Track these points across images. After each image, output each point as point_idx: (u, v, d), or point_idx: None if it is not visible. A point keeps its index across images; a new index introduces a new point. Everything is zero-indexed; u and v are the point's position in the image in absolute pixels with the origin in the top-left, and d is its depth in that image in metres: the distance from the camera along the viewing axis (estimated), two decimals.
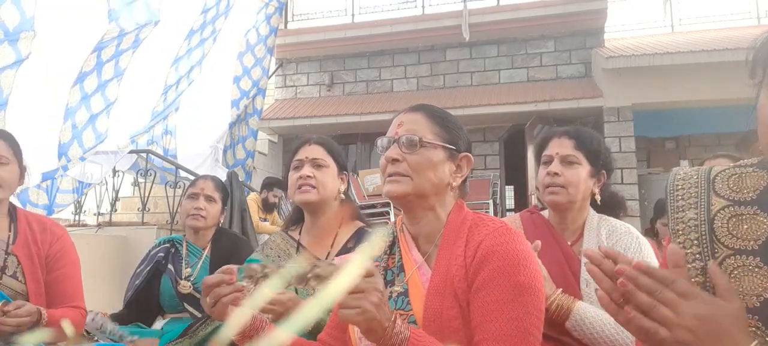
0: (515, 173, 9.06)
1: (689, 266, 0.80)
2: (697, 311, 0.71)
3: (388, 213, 6.71)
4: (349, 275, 0.83)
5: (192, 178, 4.43)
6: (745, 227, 0.79)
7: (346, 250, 1.77)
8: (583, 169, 1.67)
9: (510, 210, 8.72)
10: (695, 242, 0.82)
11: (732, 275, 0.78)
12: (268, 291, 1.02)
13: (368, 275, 0.96)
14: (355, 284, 0.93)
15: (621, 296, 0.76)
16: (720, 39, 8.11)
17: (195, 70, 6.34)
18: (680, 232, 0.84)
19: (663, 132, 8.57)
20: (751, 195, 0.81)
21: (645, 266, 0.75)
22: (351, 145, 9.71)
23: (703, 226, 0.81)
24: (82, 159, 5.09)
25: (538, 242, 1.48)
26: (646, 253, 1.57)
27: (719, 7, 9.55)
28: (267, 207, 6.09)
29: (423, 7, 9.88)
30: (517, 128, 8.81)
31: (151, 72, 5.66)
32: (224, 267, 1.14)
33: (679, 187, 0.87)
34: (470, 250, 1.12)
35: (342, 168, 1.88)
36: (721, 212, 0.81)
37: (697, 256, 0.81)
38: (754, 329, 0.74)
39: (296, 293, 1.63)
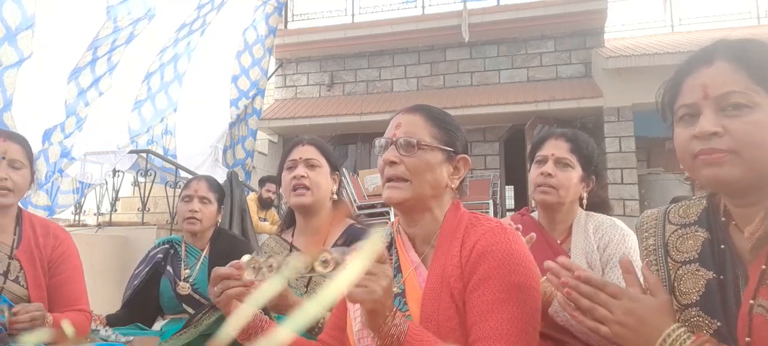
0: (515, 173, 9.06)
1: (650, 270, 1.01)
2: (625, 307, 0.90)
3: (387, 213, 6.71)
4: (362, 257, 0.90)
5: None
6: (689, 242, 0.99)
7: (336, 246, 1.78)
8: (575, 173, 1.71)
9: (510, 210, 8.72)
10: (654, 261, 1.03)
11: (681, 281, 0.97)
12: (275, 283, 1.03)
13: (381, 260, 0.98)
14: (367, 266, 0.96)
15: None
16: (720, 39, 8.10)
17: (182, 60, 6.34)
18: (644, 255, 1.06)
19: (663, 132, 8.52)
20: (693, 218, 1.01)
21: (584, 276, 0.94)
22: (351, 145, 9.72)
23: (660, 249, 1.03)
24: (70, 157, 5.10)
25: (533, 235, 1.50)
26: (630, 244, 1.61)
27: (719, 7, 9.56)
28: (263, 204, 6.08)
29: (423, 7, 9.88)
30: (517, 128, 8.81)
31: (139, 64, 5.71)
32: (234, 262, 1.17)
33: (645, 223, 1.09)
34: (466, 250, 1.12)
35: (334, 168, 1.90)
36: (672, 235, 1.02)
37: (656, 271, 1.02)
38: (697, 318, 0.92)
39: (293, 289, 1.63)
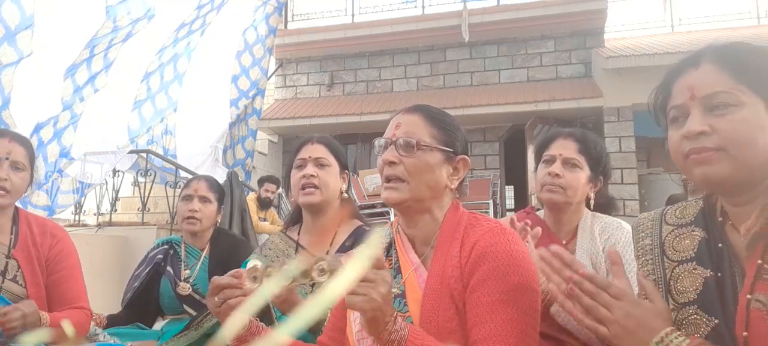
0: (515, 173, 9.07)
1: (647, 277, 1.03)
2: (626, 310, 0.91)
3: (387, 213, 6.71)
4: (359, 264, 0.89)
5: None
6: (686, 242, 1.00)
7: (344, 248, 1.76)
8: (584, 174, 1.69)
9: (510, 210, 8.72)
10: (650, 261, 1.04)
11: (678, 279, 0.98)
12: (271, 289, 1.03)
13: (378, 266, 0.98)
14: (364, 273, 0.95)
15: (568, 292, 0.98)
16: (720, 39, 8.11)
17: (182, 59, 6.33)
18: (640, 255, 1.07)
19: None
20: (690, 218, 1.03)
21: (589, 274, 0.95)
22: (351, 145, 9.71)
23: (656, 249, 1.04)
24: (69, 157, 5.09)
25: (539, 229, 1.49)
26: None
27: (719, 7, 9.57)
28: (262, 203, 6.07)
29: (423, 7, 9.88)
30: (517, 128, 8.81)
31: (136, 63, 5.70)
32: (234, 271, 1.16)
33: (641, 223, 1.10)
34: (465, 251, 1.12)
35: (343, 167, 1.88)
36: (669, 235, 1.04)
37: (651, 271, 1.03)
38: (694, 316, 0.93)
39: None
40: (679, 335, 0.88)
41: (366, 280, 0.95)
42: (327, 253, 1.78)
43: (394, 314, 1.01)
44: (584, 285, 0.94)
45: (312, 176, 1.78)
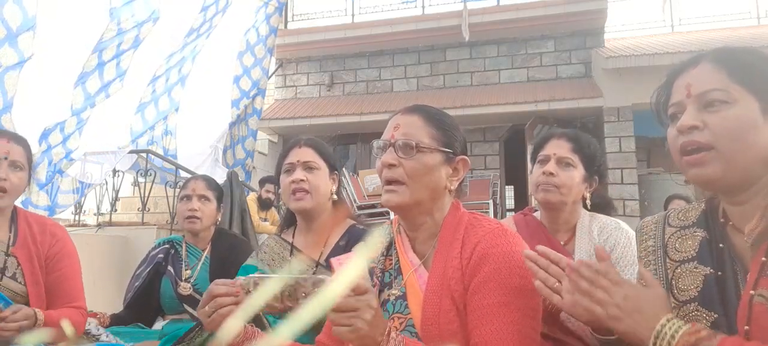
0: (515, 173, 9.06)
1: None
2: (625, 293, 0.93)
3: (388, 213, 6.71)
4: (339, 291, 0.86)
5: None
6: (688, 242, 1.02)
7: (338, 249, 1.77)
8: (578, 173, 1.71)
9: (510, 210, 8.71)
10: (652, 262, 1.06)
11: (679, 279, 1.00)
12: (261, 301, 1.02)
13: (360, 292, 0.96)
14: (346, 303, 0.94)
15: (554, 285, 1.00)
16: (720, 39, 8.10)
17: (186, 63, 6.33)
18: (643, 257, 1.09)
19: (663, 132, 8.50)
20: (692, 220, 1.05)
21: (586, 262, 0.98)
22: (351, 145, 9.71)
23: (659, 250, 1.06)
24: (70, 158, 5.09)
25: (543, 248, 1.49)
26: (635, 245, 1.59)
27: (719, 7, 9.56)
28: (263, 204, 6.08)
29: (423, 7, 9.88)
30: (517, 128, 8.81)
31: (145, 68, 5.69)
32: (230, 282, 1.14)
33: (644, 227, 1.13)
34: (466, 252, 1.11)
35: (333, 168, 1.87)
36: (672, 236, 1.06)
37: (654, 271, 1.05)
38: (695, 312, 0.95)
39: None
40: (678, 320, 0.90)
41: (349, 309, 0.94)
42: (320, 255, 1.78)
43: (387, 329, 1.00)
44: (582, 270, 0.96)
45: (301, 180, 1.76)
